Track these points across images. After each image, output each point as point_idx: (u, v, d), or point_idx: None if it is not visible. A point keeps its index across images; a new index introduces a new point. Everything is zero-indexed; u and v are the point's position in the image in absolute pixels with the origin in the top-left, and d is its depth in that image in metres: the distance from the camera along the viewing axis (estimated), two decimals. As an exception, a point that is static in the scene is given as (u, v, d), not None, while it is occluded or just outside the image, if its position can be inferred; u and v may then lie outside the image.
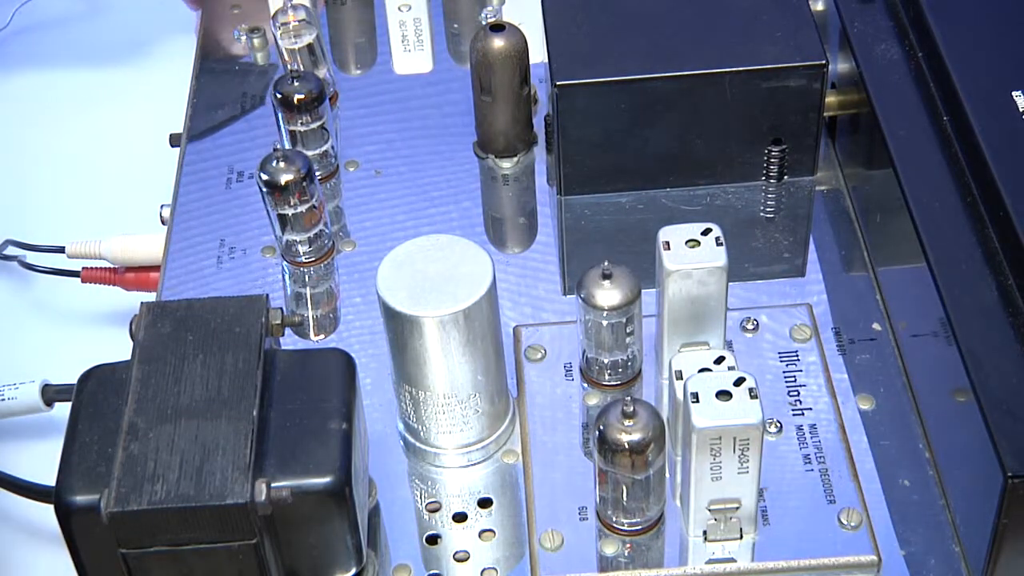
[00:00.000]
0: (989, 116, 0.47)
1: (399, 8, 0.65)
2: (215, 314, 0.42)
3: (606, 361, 0.47)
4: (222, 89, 0.62)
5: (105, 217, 0.62)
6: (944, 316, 0.44)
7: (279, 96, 0.55)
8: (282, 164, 0.51)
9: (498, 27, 0.54)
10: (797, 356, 0.48)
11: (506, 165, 0.57)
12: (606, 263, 0.45)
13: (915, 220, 0.46)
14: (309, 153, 0.56)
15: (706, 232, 0.45)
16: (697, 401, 0.40)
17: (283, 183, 0.51)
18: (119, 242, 0.57)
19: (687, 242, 0.45)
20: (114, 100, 0.72)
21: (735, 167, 0.55)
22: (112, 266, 0.58)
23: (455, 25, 0.65)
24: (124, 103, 0.71)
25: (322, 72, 0.59)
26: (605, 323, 0.45)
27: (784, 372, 0.48)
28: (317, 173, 0.56)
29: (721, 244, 0.45)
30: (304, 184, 0.51)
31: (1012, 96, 0.47)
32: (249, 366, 0.41)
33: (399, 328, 0.43)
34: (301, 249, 0.53)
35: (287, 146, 0.56)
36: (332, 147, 0.57)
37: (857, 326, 0.50)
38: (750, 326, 0.49)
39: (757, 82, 0.52)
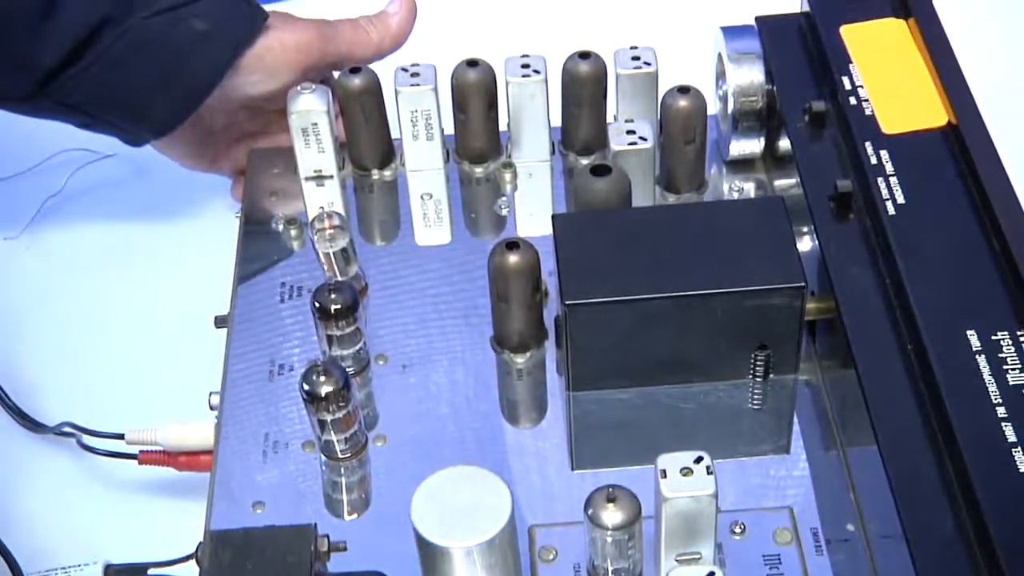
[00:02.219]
0: (946, 355, 0.53)
1: (421, 197, 0.72)
2: (270, 543, 0.49)
3: (610, 569, 0.53)
4: (263, 277, 0.68)
5: (158, 399, 0.69)
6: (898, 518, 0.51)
7: (317, 305, 0.61)
8: (322, 378, 0.57)
9: (513, 245, 0.61)
10: (779, 560, 0.55)
11: (519, 360, 0.64)
12: (610, 489, 0.51)
13: (880, 445, 0.53)
14: (344, 352, 0.62)
15: (698, 460, 0.52)
16: (689, 627, 0.47)
17: (323, 395, 0.57)
18: (174, 430, 0.63)
19: (681, 470, 0.51)
20: (162, 263, 0.78)
21: (725, 368, 0.61)
22: (166, 449, 0.64)
23: (472, 214, 0.72)
24: (172, 266, 0.78)
25: (353, 269, 0.66)
26: (610, 539, 0.52)
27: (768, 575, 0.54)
28: (351, 369, 0.62)
29: (711, 473, 0.51)
30: (343, 393, 0.58)
31: (967, 334, 0.54)
32: (301, 593, 0.47)
33: (430, 554, 0.49)
34: (338, 448, 0.59)
35: (324, 347, 0.62)
36: (364, 344, 0.63)
37: (833, 526, 0.56)
38: (738, 529, 0.55)
39: (743, 301, 0.59)
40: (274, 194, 0.73)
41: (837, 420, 0.60)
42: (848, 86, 0.65)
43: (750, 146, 0.70)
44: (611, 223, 0.62)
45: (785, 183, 0.70)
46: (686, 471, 0.51)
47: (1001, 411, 0.51)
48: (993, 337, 0.53)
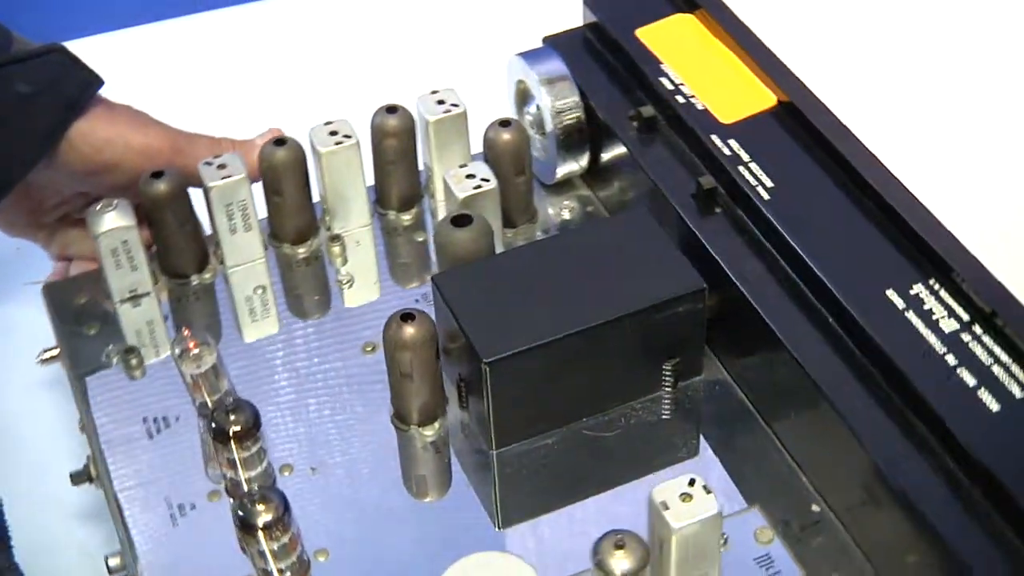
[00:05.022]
0: (879, 318, 0.54)
1: (253, 291, 0.68)
2: None
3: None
4: (119, 419, 0.62)
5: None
6: (882, 482, 0.52)
7: (216, 429, 0.56)
8: (260, 506, 0.53)
9: (408, 316, 0.58)
10: (771, 558, 0.55)
11: (429, 433, 0.61)
12: (618, 535, 0.50)
13: (846, 421, 0.53)
14: (252, 473, 0.57)
15: (692, 483, 0.51)
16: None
17: (263, 524, 0.53)
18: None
19: (680, 496, 0.50)
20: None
21: (638, 387, 0.61)
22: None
23: (315, 296, 0.68)
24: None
25: (224, 384, 0.61)
26: (622, 587, 0.50)
27: (768, 577, 0.54)
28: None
29: (710, 492, 0.50)
30: (284, 518, 0.53)
31: (887, 295, 0.55)
32: None
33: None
34: (283, 576, 0.55)
35: (224, 472, 0.57)
36: (269, 461, 0.58)
37: (799, 512, 0.56)
38: (721, 540, 0.55)
39: (651, 316, 0.58)
40: (90, 327, 0.67)
41: (760, 408, 0.60)
42: (670, 86, 0.66)
43: (574, 165, 0.70)
44: (492, 271, 0.61)
45: (607, 193, 0.70)
46: (685, 496, 0.50)
47: (950, 359, 0.53)
48: (911, 292, 0.55)
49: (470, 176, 0.65)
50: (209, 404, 0.61)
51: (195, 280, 0.68)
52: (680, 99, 0.65)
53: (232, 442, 0.56)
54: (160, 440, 0.61)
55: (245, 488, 0.58)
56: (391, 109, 0.68)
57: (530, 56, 0.69)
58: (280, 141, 0.67)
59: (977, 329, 0.54)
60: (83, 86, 0.66)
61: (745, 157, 0.62)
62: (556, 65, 0.69)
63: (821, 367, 0.55)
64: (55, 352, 0.67)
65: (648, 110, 0.65)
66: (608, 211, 0.70)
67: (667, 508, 0.50)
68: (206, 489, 0.59)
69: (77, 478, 0.62)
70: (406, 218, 0.71)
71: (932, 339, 0.54)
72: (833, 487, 0.56)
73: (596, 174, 0.71)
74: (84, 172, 0.66)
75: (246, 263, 0.68)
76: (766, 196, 0.60)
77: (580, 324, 0.58)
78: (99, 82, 0.66)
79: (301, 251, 0.69)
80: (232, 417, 0.56)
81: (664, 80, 0.66)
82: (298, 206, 0.68)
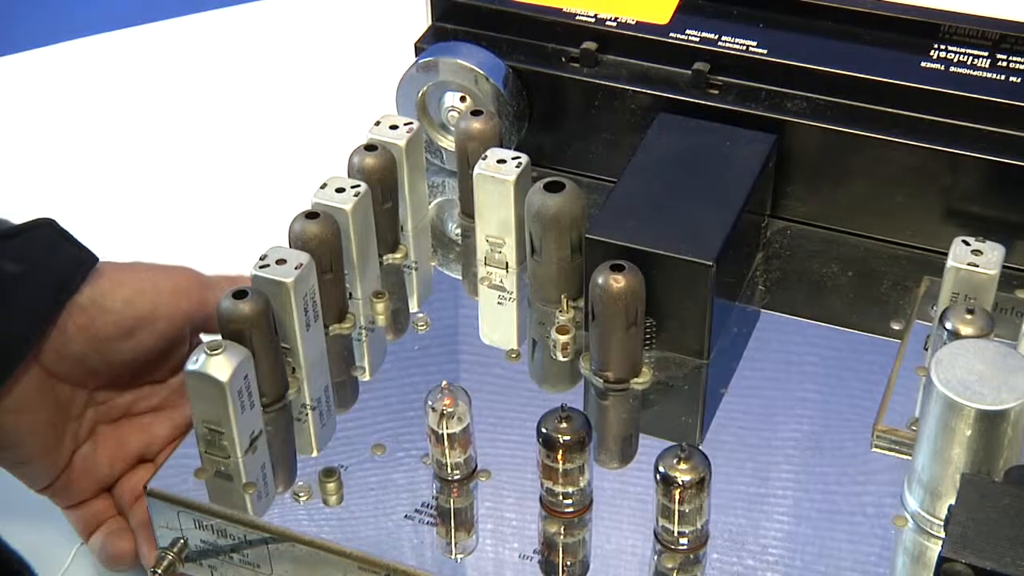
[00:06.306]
0: (937, 80, 0.65)
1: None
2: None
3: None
4: (375, 536, 0.56)
5: None
6: None
7: (548, 439, 0.54)
8: (687, 464, 0.52)
9: (618, 267, 0.58)
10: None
11: (644, 380, 0.61)
12: (970, 302, 0.56)
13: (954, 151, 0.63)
14: (572, 489, 0.55)
15: (965, 243, 0.58)
16: None
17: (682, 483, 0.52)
18: None
19: (972, 253, 0.58)
20: None
21: (753, 252, 0.67)
22: None
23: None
24: None
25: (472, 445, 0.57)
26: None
27: None
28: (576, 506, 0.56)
29: (982, 239, 0.58)
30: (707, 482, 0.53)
31: (922, 65, 0.66)
32: None
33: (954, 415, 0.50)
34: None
35: (550, 486, 0.55)
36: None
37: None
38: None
39: (762, 177, 0.64)
40: (247, 488, 0.58)
41: (843, 223, 0.68)
42: (590, 20, 0.70)
43: (522, 133, 0.72)
44: (619, 207, 0.63)
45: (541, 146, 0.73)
46: (976, 252, 0.58)
47: (1014, 79, 0.65)
48: (934, 56, 0.66)
49: (501, 161, 0.65)
50: (454, 466, 0.57)
51: (286, 399, 0.61)
52: (611, 24, 0.70)
53: (568, 451, 0.54)
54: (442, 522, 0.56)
55: (563, 500, 0.55)
56: (370, 148, 0.66)
57: (442, 53, 0.70)
58: (311, 215, 0.62)
59: (999, 53, 0.66)
60: (75, 261, 0.59)
61: (712, 36, 0.68)
62: (475, 51, 0.70)
63: (925, 136, 0.64)
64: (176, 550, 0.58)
65: (591, 45, 0.69)
66: (551, 161, 0.73)
67: (977, 264, 0.57)
68: (531, 531, 0.56)
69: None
70: (398, 256, 0.68)
71: (986, 74, 0.65)
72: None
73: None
74: (119, 335, 0.59)
75: (314, 360, 0.63)
76: (764, 51, 0.67)
77: (735, 207, 0.62)
78: (94, 259, 0.60)
79: (347, 327, 0.65)
80: (566, 425, 0.54)
81: (580, 19, 0.70)
82: (340, 276, 0.64)
